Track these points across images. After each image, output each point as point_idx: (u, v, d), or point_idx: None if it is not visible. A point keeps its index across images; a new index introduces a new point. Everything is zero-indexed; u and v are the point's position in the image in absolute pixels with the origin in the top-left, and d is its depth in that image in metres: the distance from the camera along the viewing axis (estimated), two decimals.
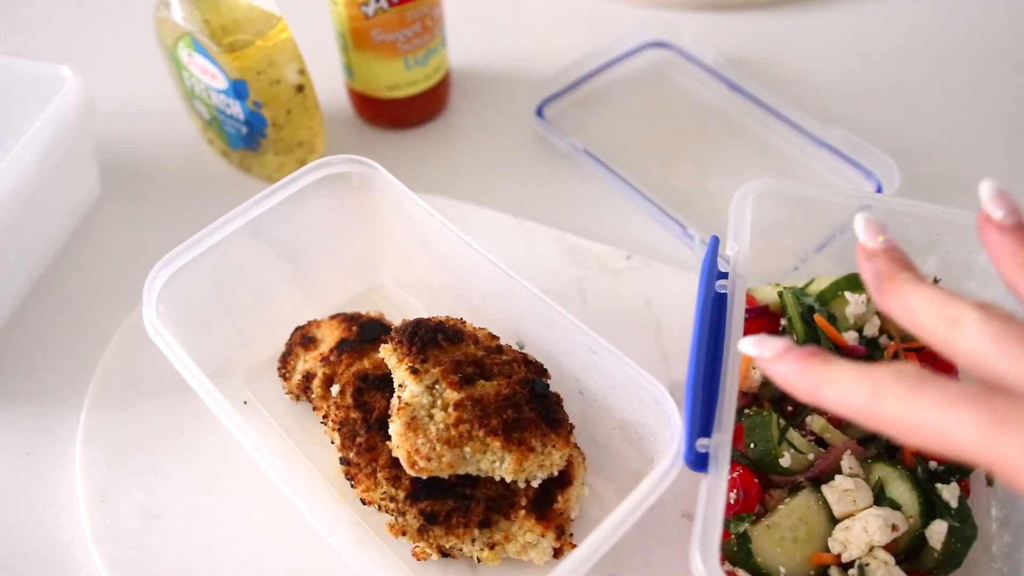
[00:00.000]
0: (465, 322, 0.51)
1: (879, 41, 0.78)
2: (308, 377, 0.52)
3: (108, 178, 0.68)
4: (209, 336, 0.54)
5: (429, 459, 0.45)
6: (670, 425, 0.44)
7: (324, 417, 0.51)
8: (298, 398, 0.54)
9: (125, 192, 0.68)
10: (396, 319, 0.57)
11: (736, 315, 0.47)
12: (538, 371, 0.50)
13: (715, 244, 0.48)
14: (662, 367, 0.56)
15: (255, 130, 0.63)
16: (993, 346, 0.32)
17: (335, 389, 0.51)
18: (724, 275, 0.49)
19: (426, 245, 0.55)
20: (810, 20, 0.80)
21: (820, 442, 0.51)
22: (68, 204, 0.65)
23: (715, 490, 0.42)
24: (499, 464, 0.45)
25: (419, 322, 0.49)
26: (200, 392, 0.46)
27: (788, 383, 0.35)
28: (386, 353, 0.48)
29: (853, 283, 0.53)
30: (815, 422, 0.50)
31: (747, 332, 0.51)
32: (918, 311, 0.34)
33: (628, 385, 0.46)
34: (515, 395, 0.47)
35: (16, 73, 0.62)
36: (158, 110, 0.72)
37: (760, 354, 0.36)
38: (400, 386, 0.47)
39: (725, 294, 0.48)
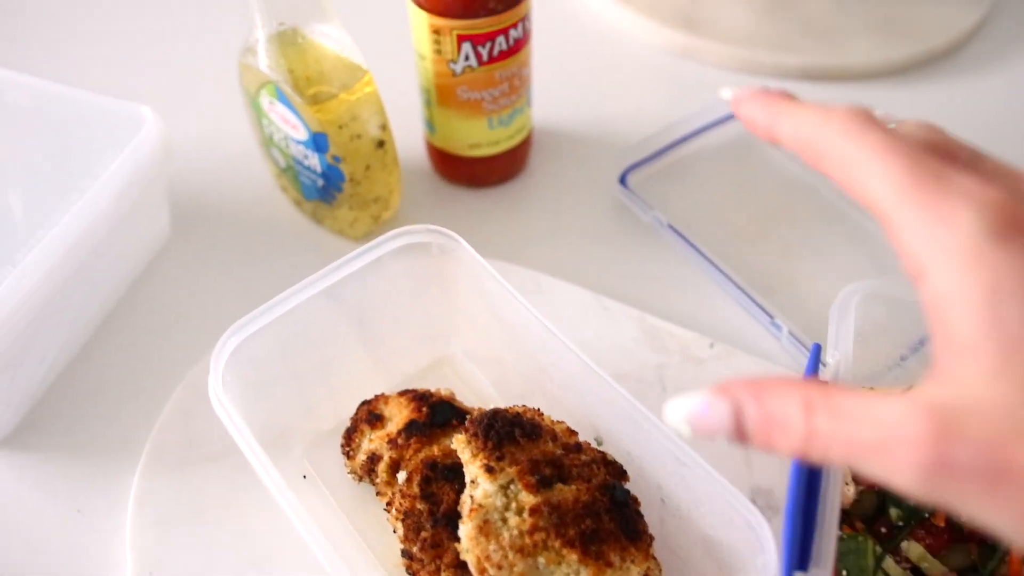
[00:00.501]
0: (542, 414, 0.48)
1: (984, 116, 0.74)
2: (373, 459, 0.50)
3: (178, 219, 0.67)
4: (273, 401, 0.52)
5: (500, 567, 0.42)
6: (763, 553, 0.41)
7: (388, 504, 0.49)
8: (361, 479, 0.51)
9: (194, 235, 0.66)
10: (466, 395, 0.54)
11: None
12: (617, 472, 0.47)
13: (817, 353, 0.45)
14: (744, 469, 0.53)
15: (331, 184, 0.61)
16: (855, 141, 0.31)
17: (401, 476, 0.48)
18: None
19: (502, 322, 0.52)
20: (909, 94, 0.76)
21: (916, 571, 0.47)
22: (136, 249, 0.63)
23: None
24: None
25: (496, 414, 0.46)
26: (258, 470, 0.44)
27: (751, 119, 0.35)
28: (459, 445, 0.46)
29: None
30: (912, 550, 0.47)
31: None
32: (794, 114, 0.34)
33: (717, 502, 0.43)
34: (594, 503, 0.44)
35: (96, 110, 0.61)
36: (233, 153, 0.71)
37: (737, 95, 0.36)
38: (472, 482, 0.45)
39: None
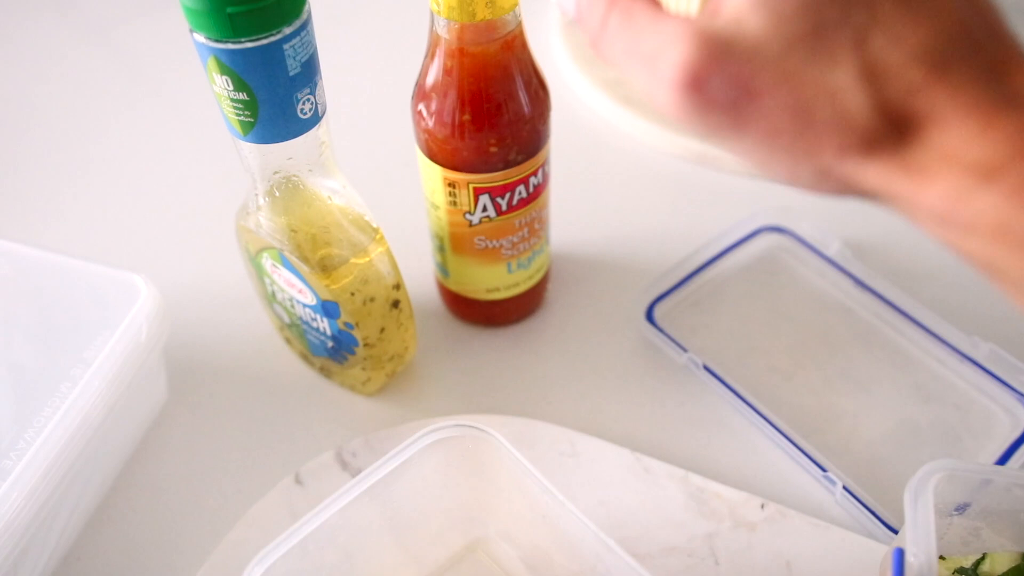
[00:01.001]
0: None
1: None
2: None
3: (175, 379, 0.62)
4: None
5: None
6: None
7: None
8: None
9: (193, 395, 0.62)
10: None
11: None
12: None
13: (900, 560, 0.41)
14: None
15: (343, 347, 0.57)
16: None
17: None
18: None
19: (543, 518, 0.48)
20: None
21: None
22: (133, 422, 0.59)
23: None
24: None
25: None
26: None
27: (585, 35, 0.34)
28: None
29: None
30: None
31: None
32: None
33: None
34: None
35: (86, 279, 0.56)
36: (231, 303, 0.66)
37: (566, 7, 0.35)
38: None
39: None
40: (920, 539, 0.43)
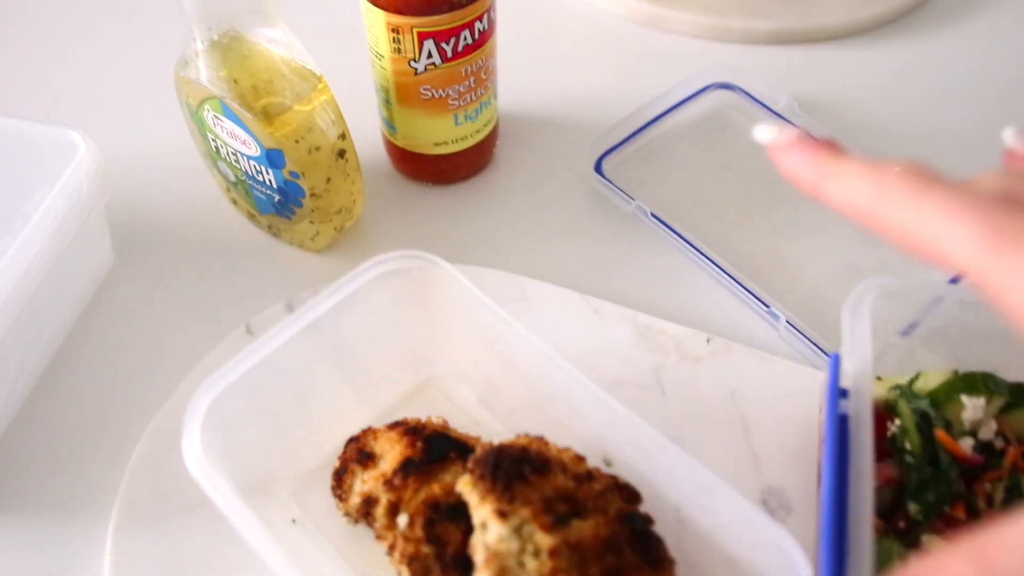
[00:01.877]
0: (547, 442, 0.45)
1: (973, 82, 0.72)
2: (369, 502, 0.47)
3: (120, 243, 0.61)
4: (249, 445, 0.48)
5: None
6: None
7: (390, 548, 0.46)
8: (357, 522, 0.48)
9: (140, 259, 0.61)
10: (458, 420, 0.51)
11: (863, 439, 0.42)
12: (631, 496, 0.45)
13: (836, 364, 0.43)
14: (752, 469, 0.51)
15: (289, 199, 0.56)
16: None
17: (402, 520, 0.45)
18: (844, 393, 0.44)
19: (491, 346, 0.49)
20: (890, 51, 0.74)
21: None
22: (78, 282, 0.58)
23: None
24: None
25: (500, 452, 0.43)
26: (242, 530, 0.40)
27: (795, 174, 0.35)
28: (465, 489, 0.42)
29: (970, 385, 0.48)
30: (932, 543, 0.46)
31: None
32: (847, 176, 0.33)
33: (743, 526, 0.41)
34: (614, 536, 0.41)
35: (22, 138, 0.55)
36: (173, 165, 0.65)
37: (776, 141, 0.36)
38: (482, 526, 0.42)
39: (845, 415, 0.43)
40: (856, 347, 0.44)
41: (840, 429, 0.42)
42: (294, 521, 0.49)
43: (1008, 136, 0.36)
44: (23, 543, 0.50)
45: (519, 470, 0.42)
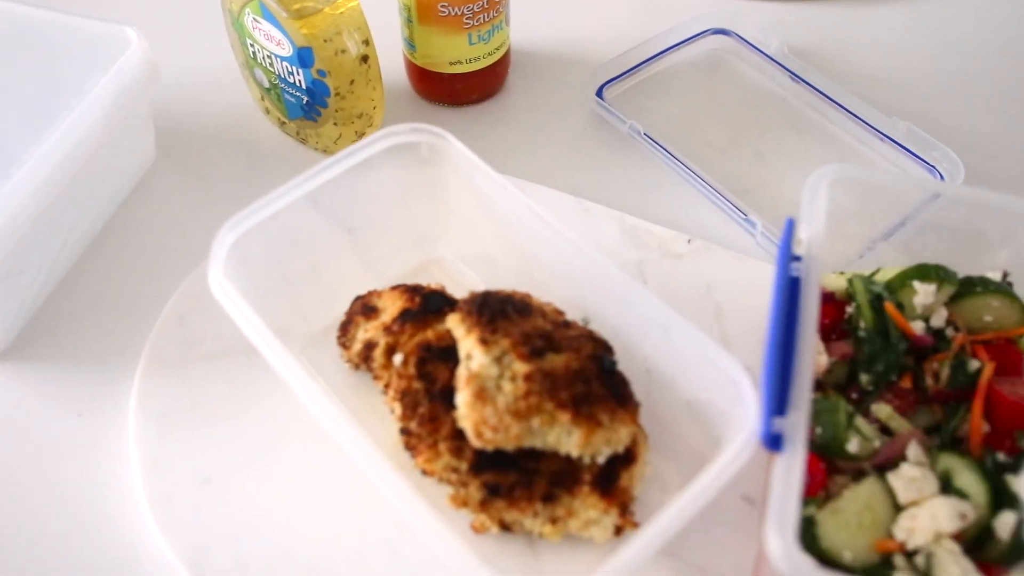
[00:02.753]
0: (532, 297, 0.50)
1: (947, 33, 0.77)
2: (369, 346, 0.52)
3: (163, 143, 0.68)
4: (266, 304, 0.53)
5: (497, 430, 0.44)
6: (744, 404, 0.43)
7: (385, 387, 0.51)
8: (357, 367, 0.53)
9: (179, 158, 0.68)
10: (457, 293, 0.56)
11: (811, 298, 0.46)
12: (604, 347, 0.49)
13: (790, 227, 0.48)
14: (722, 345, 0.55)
15: (316, 99, 0.62)
16: None
17: (397, 358, 0.50)
18: (797, 258, 0.48)
19: (489, 216, 0.54)
20: (875, 10, 0.79)
21: (885, 430, 0.50)
22: (124, 168, 0.64)
23: (792, 469, 0.41)
24: (567, 437, 0.45)
25: (488, 294, 0.48)
26: (263, 349, 0.46)
27: None
28: (453, 323, 0.48)
29: (923, 273, 0.52)
30: (881, 410, 0.50)
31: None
32: None
33: (701, 365, 0.46)
34: (584, 369, 0.46)
35: (82, 33, 0.61)
36: (215, 78, 0.72)
37: None
38: (468, 356, 0.47)
39: (797, 278, 0.48)
40: (812, 217, 0.49)
41: (790, 290, 0.47)
42: (303, 371, 0.54)
43: None
44: (58, 386, 0.56)
45: (503, 309, 0.48)
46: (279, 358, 0.45)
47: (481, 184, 0.53)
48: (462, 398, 0.45)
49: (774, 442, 0.42)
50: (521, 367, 0.45)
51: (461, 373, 0.46)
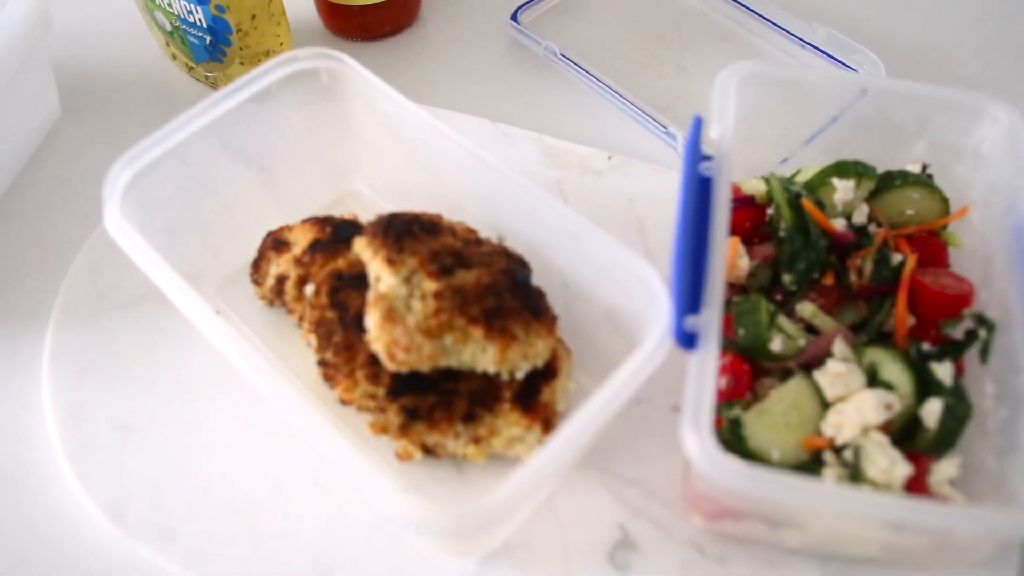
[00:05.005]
0: (442, 217, 0.49)
1: None
2: (281, 280, 0.50)
3: (68, 98, 0.65)
4: (177, 246, 0.52)
5: (409, 350, 0.43)
6: (656, 304, 0.42)
7: (299, 320, 0.50)
8: (272, 303, 0.52)
9: (86, 112, 0.65)
10: None
11: (722, 195, 0.45)
12: (519, 263, 0.48)
13: (698, 124, 0.47)
14: (638, 239, 0.55)
15: (219, 38, 0.60)
16: None
17: (309, 289, 0.49)
18: (708, 158, 0.47)
19: (399, 143, 0.53)
20: None
21: (811, 329, 0.49)
22: (26, 124, 0.62)
23: (705, 365, 0.40)
24: (481, 354, 0.44)
25: (394, 215, 0.47)
26: (170, 293, 0.44)
27: None
28: (360, 247, 0.46)
29: (841, 170, 0.52)
30: (805, 308, 0.49)
31: (733, 222, 0.50)
32: None
33: (612, 270, 0.45)
34: (496, 284, 0.45)
35: None
36: (117, 26, 0.69)
37: None
38: (376, 279, 0.45)
39: (710, 177, 0.47)
40: (723, 114, 0.48)
41: (701, 189, 0.46)
42: (217, 312, 0.53)
43: None
44: None
45: (409, 229, 0.46)
46: (182, 295, 0.44)
47: (386, 109, 0.51)
48: (371, 320, 0.44)
49: (687, 340, 0.41)
50: (430, 285, 0.44)
51: (371, 296, 0.45)
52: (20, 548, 0.47)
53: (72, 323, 0.53)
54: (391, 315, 0.44)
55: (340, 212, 0.56)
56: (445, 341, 0.44)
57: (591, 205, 0.57)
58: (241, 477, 0.48)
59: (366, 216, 0.56)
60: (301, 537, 0.46)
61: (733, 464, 0.39)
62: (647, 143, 0.61)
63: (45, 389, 0.50)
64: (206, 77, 0.65)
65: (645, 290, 0.43)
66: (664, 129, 0.59)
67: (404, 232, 0.46)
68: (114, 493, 0.47)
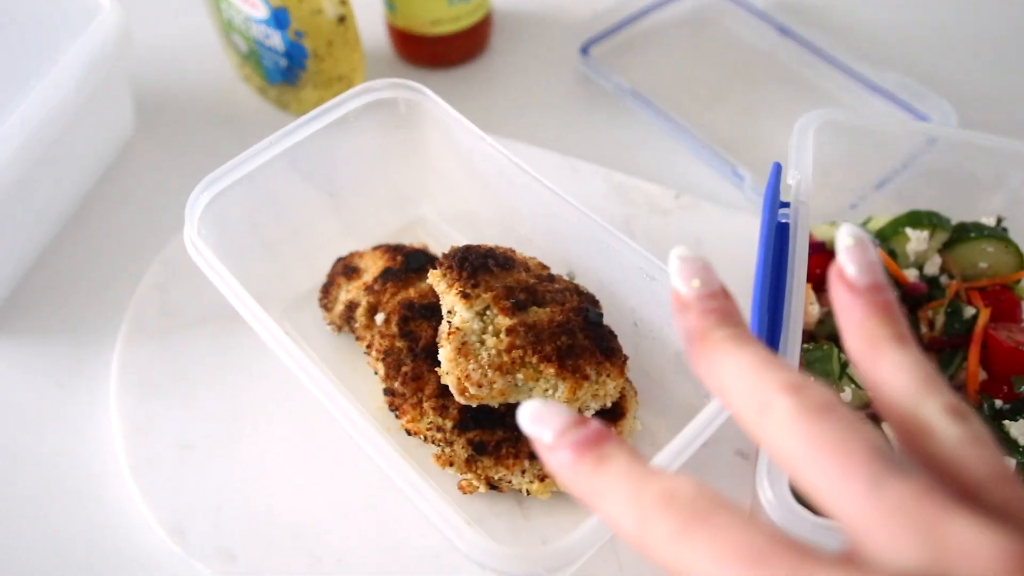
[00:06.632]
0: (515, 251, 0.49)
1: None
2: (351, 307, 0.51)
3: (143, 114, 0.67)
4: (247, 268, 0.52)
5: (480, 385, 0.43)
6: None
7: (368, 347, 0.50)
8: (340, 329, 0.52)
9: (159, 129, 0.66)
10: (440, 252, 0.55)
11: (800, 243, 0.45)
12: (590, 300, 0.48)
13: (777, 171, 0.46)
14: None
15: (295, 62, 0.61)
16: (804, 447, 0.24)
17: (379, 318, 0.49)
18: (785, 204, 0.47)
19: (473, 174, 0.53)
20: None
21: None
22: (102, 138, 0.63)
23: None
24: (552, 392, 0.44)
25: (468, 248, 0.47)
26: (242, 311, 0.45)
27: (563, 480, 0.27)
28: (435, 279, 0.47)
29: (914, 220, 0.51)
30: None
31: (808, 266, 0.49)
32: (728, 387, 0.27)
33: None
34: (569, 322, 0.45)
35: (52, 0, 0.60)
36: (193, 45, 0.71)
37: (536, 434, 0.28)
38: (449, 312, 0.46)
39: (786, 224, 0.46)
40: (800, 162, 0.48)
41: (778, 236, 0.46)
42: (285, 334, 0.53)
43: (841, 240, 0.28)
44: (37, 358, 0.55)
45: (484, 263, 0.46)
46: (256, 317, 0.44)
47: (461, 140, 0.51)
48: (444, 353, 0.44)
49: None
50: (504, 321, 0.44)
51: (443, 329, 0.45)
52: (84, 559, 0.47)
53: (140, 339, 0.54)
54: (464, 349, 0.44)
55: (409, 240, 0.57)
56: (517, 378, 0.44)
57: (659, 244, 0.56)
58: (301, 502, 0.48)
59: (435, 245, 0.56)
60: (359, 564, 0.46)
61: (808, 516, 0.39)
62: (714, 183, 0.61)
63: (112, 404, 0.51)
64: (277, 99, 0.66)
65: None
66: (732, 169, 0.59)
67: (479, 266, 0.46)
68: (176, 511, 0.47)
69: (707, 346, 0.28)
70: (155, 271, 0.56)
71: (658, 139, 0.63)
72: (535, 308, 0.46)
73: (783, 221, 0.46)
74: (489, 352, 0.44)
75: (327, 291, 0.53)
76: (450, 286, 0.46)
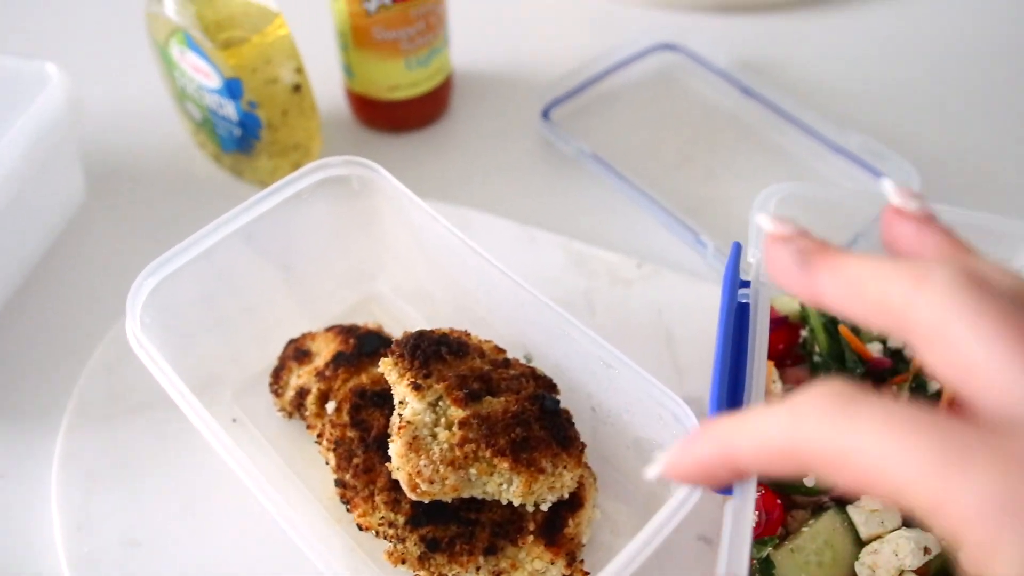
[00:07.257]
0: (470, 335, 0.48)
1: (898, 43, 0.76)
2: (302, 393, 0.49)
3: (93, 182, 0.65)
4: (197, 349, 0.51)
5: (432, 482, 0.42)
6: None
7: (319, 436, 0.48)
8: (291, 415, 0.51)
9: (111, 197, 0.65)
10: (395, 331, 0.54)
11: (760, 326, 0.44)
12: (547, 386, 0.47)
13: (737, 251, 0.45)
14: (675, 379, 0.53)
15: (249, 132, 0.60)
16: (963, 322, 0.24)
17: (330, 406, 0.48)
18: (745, 283, 0.46)
19: (427, 253, 0.52)
20: (825, 22, 0.77)
21: None
22: (50, 209, 0.62)
23: (742, 512, 0.39)
24: (507, 487, 0.42)
25: (421, 334, 0.46)
26: (185, 409, 0.43)
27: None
28: (386, 368, 0.45)
29: None
30: None
31: (771, 343, 0.48)
32: (864, 279, 0.27)
33: (645, 401, 0.43)
34: (524, 412, 0.44)
35: (2, 70, 0.59)
36: (147, 111, 0.69)
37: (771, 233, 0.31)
38: (401, 403, 0.44)
39: (745, 304, 0.45)
40: (760, 240, 0.47)
41: (738, 315, 0.45)
42: (234, 420, 0.52)
43: (890, 188, 0.31)
44: None
45: (437, 351, 0.45)
46: (198, 417, 0.42)
47: (414, 218, 0.50)
48: (394, 448, 0.42)
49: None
50: (456, 413, 0.43)
51: (394, 421, 0.44)
52: None
53: (85, 426, 0.52)
54: (415, 444, 0.42)
55: (364, 316, 0.55)
56: (470, 472, 0.42)
57: (620, 316, 0.55)
58: None
59: (390, 323, 0.55)
60: None
61: None
62: (677, 249, 0.60)
63: (54, 498, 0.49)
64: (232, 167, 0.65)
65: (679, 429, 0.42)
66: (695, 236, 0.58)
67: (431, 354, 0.45)
68: None
69: (828, 256, 0.29)
70: (102, 352, 0.55)
71: (620, 204, 0.62)
72: (489, 398, 0.44)
73: (743, 301, 0.45)
74: (441, 447, 0.42)
75: (278, 376, 0.51)
76: (401, 375, 0.44)
